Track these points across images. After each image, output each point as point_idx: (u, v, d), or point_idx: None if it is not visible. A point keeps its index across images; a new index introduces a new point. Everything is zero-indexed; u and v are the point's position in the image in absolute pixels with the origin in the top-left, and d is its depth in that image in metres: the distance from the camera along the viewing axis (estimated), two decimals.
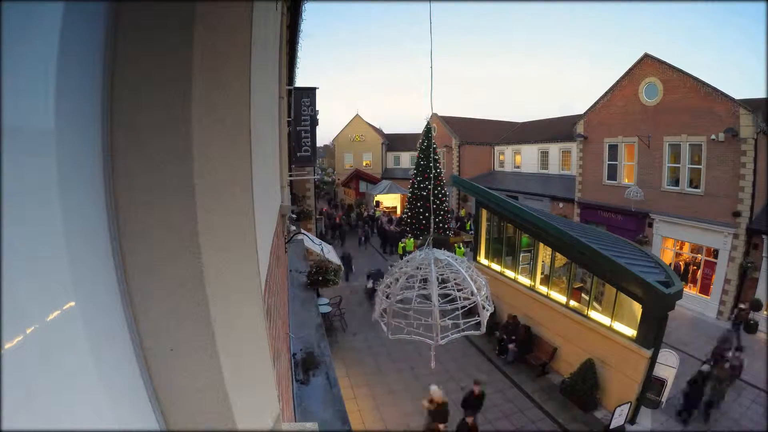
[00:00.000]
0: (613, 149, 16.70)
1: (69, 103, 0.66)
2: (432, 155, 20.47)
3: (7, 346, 0.49)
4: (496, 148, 27.56)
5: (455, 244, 17.89)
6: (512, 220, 11.61)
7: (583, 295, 9.98)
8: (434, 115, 27.44)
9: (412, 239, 17.36)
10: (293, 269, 7.39)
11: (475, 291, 2.17)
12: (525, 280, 11.45)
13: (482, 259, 13.40)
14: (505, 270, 12.33)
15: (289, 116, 8.53)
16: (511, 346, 10.27)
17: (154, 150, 0.78)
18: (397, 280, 2.25)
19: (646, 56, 14.80)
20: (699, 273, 13.88)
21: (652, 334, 7.71)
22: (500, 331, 10.81)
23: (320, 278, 6.98)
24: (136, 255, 0.81)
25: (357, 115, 36.34)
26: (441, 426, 6.60)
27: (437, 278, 2.16)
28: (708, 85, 13.01)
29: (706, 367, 8.42)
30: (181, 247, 0.82)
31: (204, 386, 0.87)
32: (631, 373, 7.96)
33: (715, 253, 13.18)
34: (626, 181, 16.23)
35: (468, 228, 21.57)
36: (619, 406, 7.41)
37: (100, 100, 0.75)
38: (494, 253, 13.06)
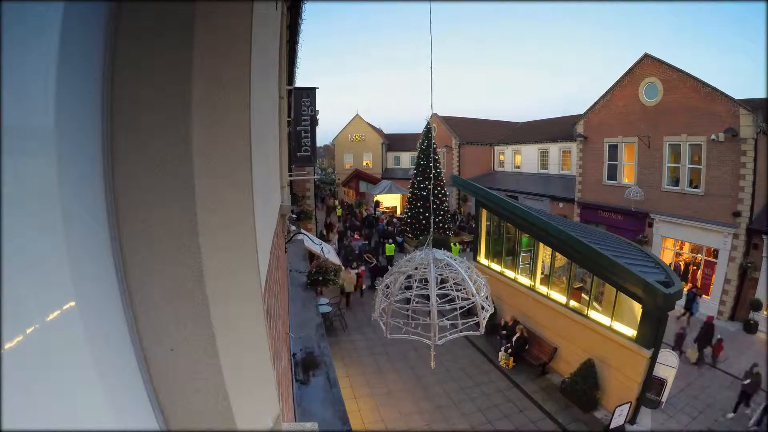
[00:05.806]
0: (613, 149, 16.69)
1: (69, 104, 0.66)
2: (432, 155, 20.47)
3: (7, 346, 0.49)
4: (496, 148, 27.56)
5: (452, 244, 17.87)
6: (512, 220, 11.61)
7: (583, 295, 9.98)
8: (434, 115, 27.44)
9: (393, 245, 17.56)
10: (293, 269, 7.38)
11: (474, 292, 2.17)
12: (525, 280, 11.44)
13: (482, 259, 13.40)
14: (505, 270, 12.33)
15: (289, 116, 8.51)
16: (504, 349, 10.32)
17: (154, 150, 0.78)
18: (397, 279, 2.25)
19: (646, 56, 14.79)
20: (699, 273, 13.89)
21: (652, 334, 7.71)
22: (500, 335, 10.84)
23: (320, 278, 6.98)
24: (136, 255, 0.81)
25: (357, 115, 36.36)
26: None
27: (436, 278, 2.16)
28: (708, 85, 13.01)
29: None
30: (181, 247, 0.82)
31: (204, 386, 0.87)
32: (631, 373, 7.96)
33: (715, 253, 13.18)
34: (626, 181, 16.22)
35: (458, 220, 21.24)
36: (619, 406, 7.42)
37: (100, 100, 0.75)
38: (494, 253, 13.06)
